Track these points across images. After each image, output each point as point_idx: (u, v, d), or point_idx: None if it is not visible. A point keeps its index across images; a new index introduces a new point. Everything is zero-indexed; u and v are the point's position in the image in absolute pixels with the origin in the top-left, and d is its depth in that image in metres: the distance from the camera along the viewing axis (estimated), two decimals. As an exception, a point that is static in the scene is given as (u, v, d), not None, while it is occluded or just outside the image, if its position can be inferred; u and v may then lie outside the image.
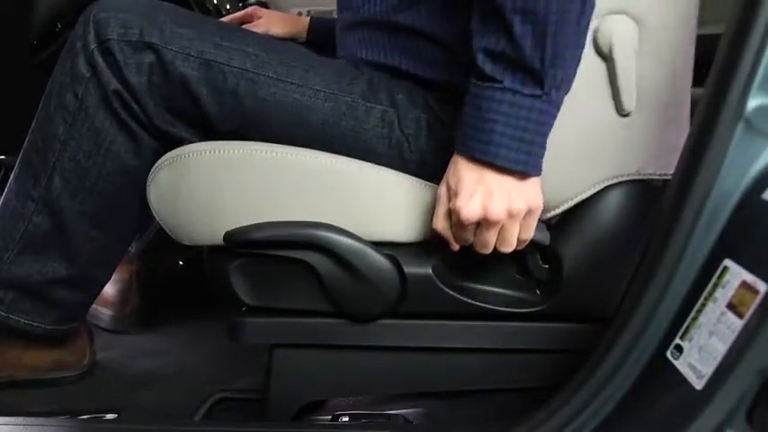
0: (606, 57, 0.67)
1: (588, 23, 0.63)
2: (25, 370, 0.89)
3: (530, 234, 0.67)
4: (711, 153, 0.57)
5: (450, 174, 0.66)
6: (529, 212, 0.65)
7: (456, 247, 0.68)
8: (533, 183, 0.64)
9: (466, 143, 0.64)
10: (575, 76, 0.63)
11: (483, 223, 0.64)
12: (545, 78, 0.60)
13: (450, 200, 0.66)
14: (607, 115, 0.69)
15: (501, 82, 0.61)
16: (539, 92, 0.61)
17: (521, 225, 0.66)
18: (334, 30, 1.09)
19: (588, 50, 0.66)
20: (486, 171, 0.63)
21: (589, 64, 0.66)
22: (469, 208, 0.63)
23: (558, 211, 0.71)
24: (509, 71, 0.61)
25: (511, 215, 0.64)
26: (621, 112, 0.69)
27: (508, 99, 0.61)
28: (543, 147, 0.63)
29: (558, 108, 0.63)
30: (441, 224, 0.68)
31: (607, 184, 0.70)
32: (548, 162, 0.64)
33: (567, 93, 0.63)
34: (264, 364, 0.77)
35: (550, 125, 0.63)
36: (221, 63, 0.72)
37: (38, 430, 0.65)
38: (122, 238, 0.87)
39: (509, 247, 0.66)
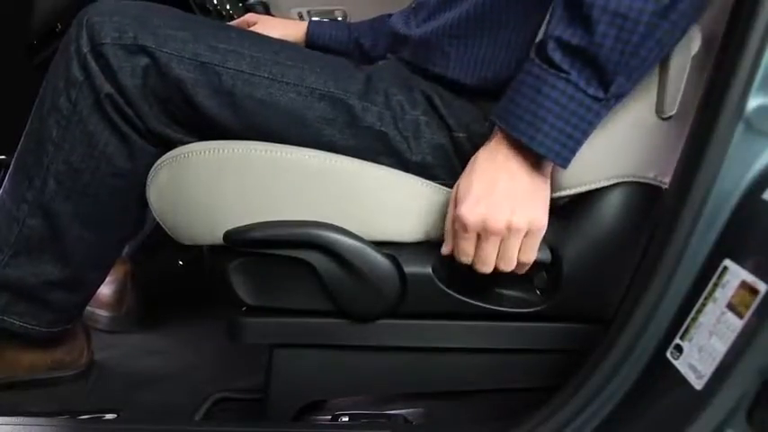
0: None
1: (669, 45, 0.61)
2: (23, 370, 0.89)
3: (531, 257, 0.67)
4: (711, 153, 0.57)
5: (462, 179, 0.66)
6: (530, 232, 0.65)
7: (447, 250, 0.68)
8: (541, 202, 0.65)
9: (511, 120, 0.62)
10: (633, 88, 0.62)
11: (482, 233, 0.64)
12: (611, 85, 0.59)
13: (456, 205, 0.66)
14: (644, 114, 0.67)
15: (568, 73, 0.60)
16: (601, 95, 0.60)
17: (522, 245, 0.65)
18: (332, 34, 1.08)
19: None
20: (502, 171, 0.63)
21: None
22: (473, 214, 0.63)
23: (568, 192, 0.70)
24: (578, 66, 0.60)
25: (510, 229, 0.63)
26: (661, 114, 0.67)
27: (570, 92, 0.60)
28: (581, 145, 0.62)
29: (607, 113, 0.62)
30: (450, 227, 0.68)
31: (620, 180, 0.69)
32: None
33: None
34: (264, 364, 0.77)
35: (596, 127, 0.62)
36: (216, 65, 0.72)
37: (38, 430, 0.65)
38: (116, 239, 0.87)
39: (509, 264, 0.66)
